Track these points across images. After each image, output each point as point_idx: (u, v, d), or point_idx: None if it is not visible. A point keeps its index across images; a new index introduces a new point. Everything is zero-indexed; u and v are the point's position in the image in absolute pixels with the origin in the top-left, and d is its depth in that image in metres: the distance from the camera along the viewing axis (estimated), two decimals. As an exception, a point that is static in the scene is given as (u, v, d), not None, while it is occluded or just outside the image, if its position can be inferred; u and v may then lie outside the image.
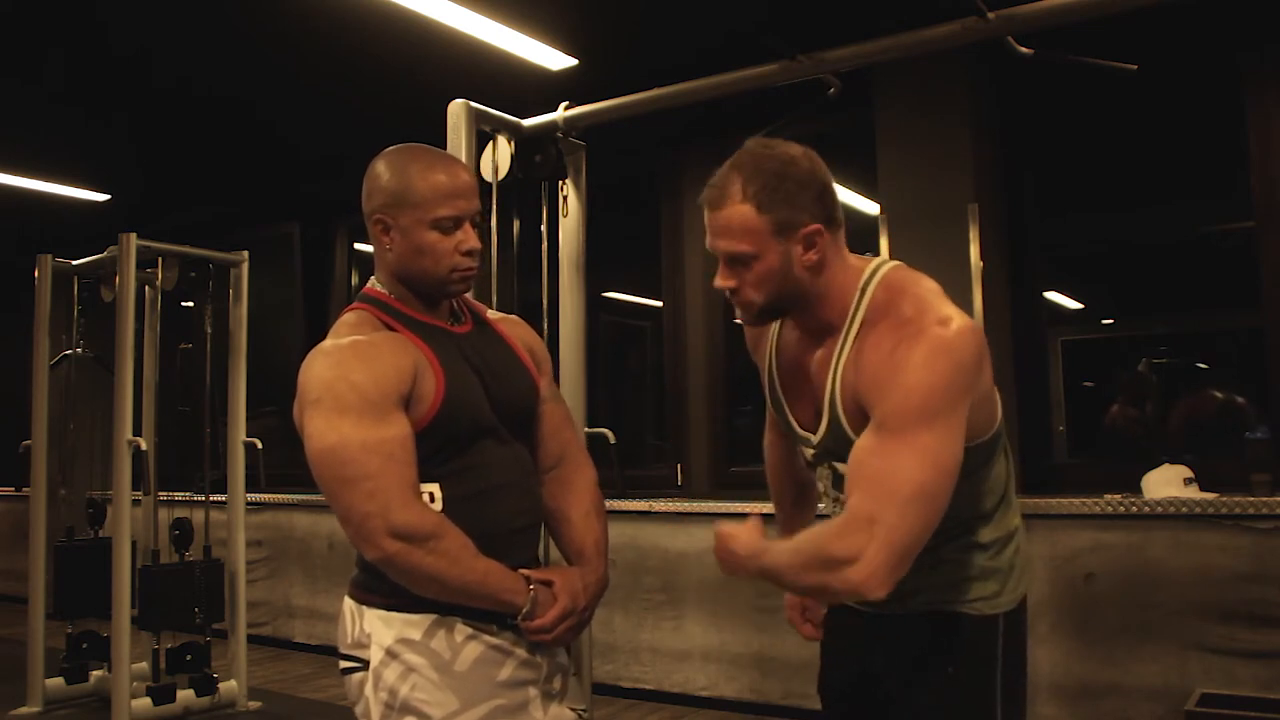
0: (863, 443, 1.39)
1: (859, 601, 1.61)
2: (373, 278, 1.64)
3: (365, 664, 1.52)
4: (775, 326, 1.62)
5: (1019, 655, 1.60)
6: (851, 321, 1.47)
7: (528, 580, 1.54)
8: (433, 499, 1.51)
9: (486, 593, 1.49)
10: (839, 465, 1.53)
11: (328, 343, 1.53)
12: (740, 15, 3.47)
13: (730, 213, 1.43)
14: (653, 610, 4.21)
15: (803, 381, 1.58)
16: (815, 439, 1.54)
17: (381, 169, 1.58)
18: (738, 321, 1.62)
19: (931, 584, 1.54)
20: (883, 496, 1.32)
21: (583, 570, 1.63)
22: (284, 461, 4.81)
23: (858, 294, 1.48)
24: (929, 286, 1.45)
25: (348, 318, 1.58)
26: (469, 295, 1.70)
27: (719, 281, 1.49)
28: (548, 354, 1.83)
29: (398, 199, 1.55)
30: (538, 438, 1.72)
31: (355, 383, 1.45)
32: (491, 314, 1.78)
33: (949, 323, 1.37)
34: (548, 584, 1.56)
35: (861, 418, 1.43)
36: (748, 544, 1.43)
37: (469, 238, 1.57)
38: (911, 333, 1.38)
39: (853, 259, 1.52)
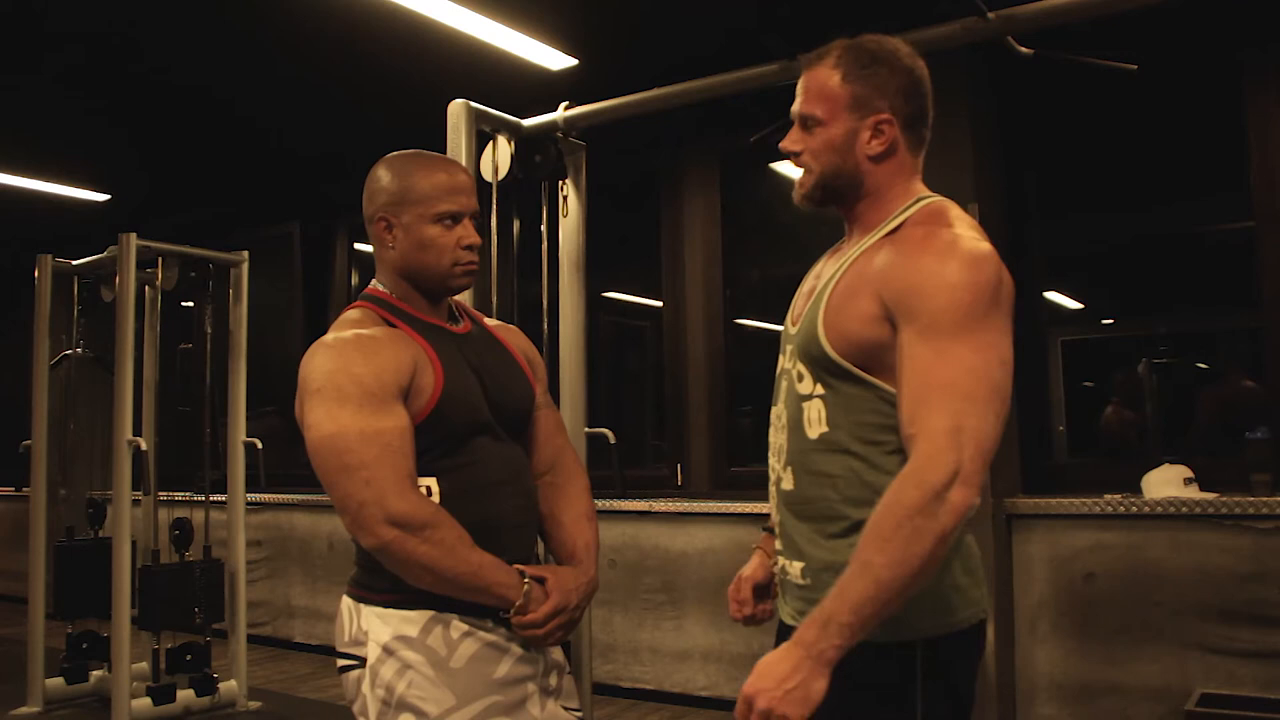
0: (917, 353, 1.27)
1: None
2: (374, 279, 1.67)
3: (362, 661, 1.53)
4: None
5: None
6: (886, 224, 1.43)
7: (522, 575, 1.54)
8: (430, 492, 1.52)
9: (481, 585, 1.49)
10: (802, 367, 1.42)
11: (330, 336, 1.55)
12: (740, 15, 3.47)
13: (816, 74, 1.46)
14: (653, 610, 4.21)
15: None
16: (795, 329, 1.48)
17: (383, 172, 1.63)
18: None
19: None
20: (960, 401, 1.23)
21: (574, 571, 1.64)
22: (284, 461, 4.81)
23: (902, 209, 1.44)
24: (971, 222, 1.41)
25: (350, 314, 1.61)
26: (468, 303, 1.72)
27: (784, 143, 1.50)
28: (543, 363, 1.87)
29: (400, 197, 1.59)
30: (532, 443, 1.74)
31: (356, 374, 1.48)
32: (490, 321, 1.81)
33: (981, 244, 1.34)
34: (541, 581, 1.57)
35: (847, 313, 1.36)
36: (790, 653, 1.23)
37: (469, 233, 1.61)
38: (946, 241, 1.33)
39: (918, 185, 1.49)
